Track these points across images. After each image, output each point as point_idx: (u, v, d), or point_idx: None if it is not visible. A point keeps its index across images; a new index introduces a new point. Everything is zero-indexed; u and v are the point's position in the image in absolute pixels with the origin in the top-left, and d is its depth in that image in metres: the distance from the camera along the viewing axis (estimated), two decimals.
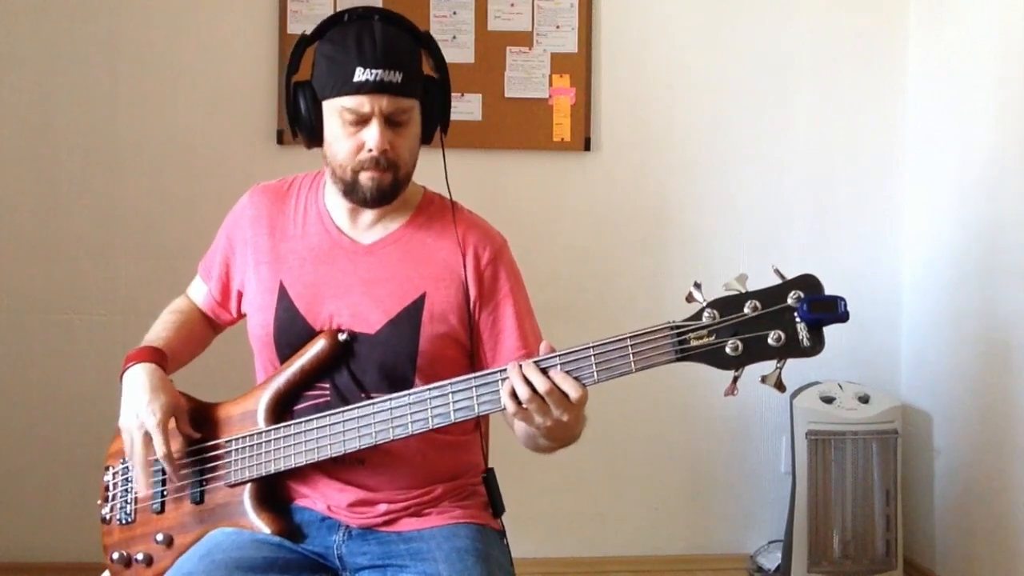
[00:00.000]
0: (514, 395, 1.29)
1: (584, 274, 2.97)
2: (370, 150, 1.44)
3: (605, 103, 2.94)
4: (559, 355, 1.30)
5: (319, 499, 1.51)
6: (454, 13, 2.86)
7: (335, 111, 1.45)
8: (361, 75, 1.41)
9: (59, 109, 2.81)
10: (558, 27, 2.89)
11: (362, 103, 1.42)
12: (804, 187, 3.01)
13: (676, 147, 2.98)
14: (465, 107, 2.85)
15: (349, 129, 1.45)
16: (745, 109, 2.98)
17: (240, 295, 1.63)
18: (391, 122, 1.45)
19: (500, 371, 1.33)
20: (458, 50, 2.85)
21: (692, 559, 3.02)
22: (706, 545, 3.05)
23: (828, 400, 2.85)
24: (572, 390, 1.28)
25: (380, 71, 1.41)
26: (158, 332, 1.61)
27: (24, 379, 2.84)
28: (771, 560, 2.95)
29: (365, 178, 1.46)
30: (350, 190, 1.48)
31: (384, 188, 1.47)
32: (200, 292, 1.69)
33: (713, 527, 3.06)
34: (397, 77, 1.43)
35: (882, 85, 3.02)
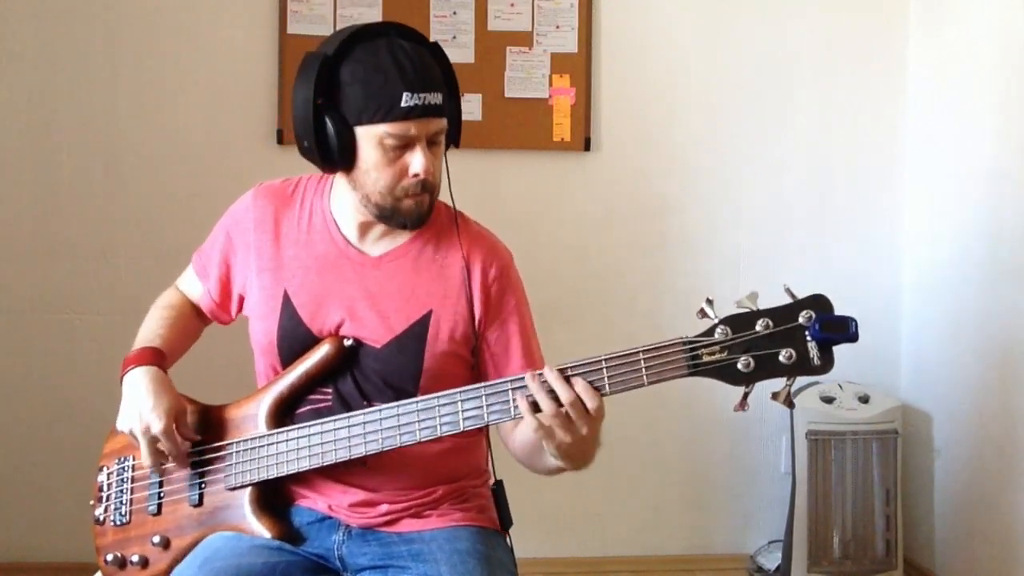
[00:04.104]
0: (535, 407, 1.28)
1: (584, 274, 2.97)
2: (416, 175, 1.41)
3: (605, 103, 2.94)
4: (571, 366, 1.29)
5: (320, 499, 1.51)
6: (454, 13, 2.86)
7: (374, 138, 1.40)
8: (408, 100, 1.37)
9: (59, 109, 2.81)
10: (558, 27, 2.89)
11: (409, 128, 1.39)
12: (804, 187, 3.01)
13: (676, 147, 2.98)
14: (465, 107, 2.80)
15: (390, 155, 1.40)
16: (745, 109, 2.98)
17: (241, 299, 1.61)
18: (430, 143, 1.42)
19: (512, 380, 1.32)
20: (458, 50, 2.85)
21: (692, 559, 3.02)
22: (706, 545, 3.05)
23: (828, 400, 2.84)
24: (590, 399, 1.27)
25: (426, 94, 1.38)
26: (154, 330, 1.60)
27: (24, 379, 2.84)
28: (771, 560, 2.95)
29: (408, 204, 1.43)
30: (388, 215, 1.45)
31: (423, 212, 1.45)
32: (195, 288, 1.67)
33: (713, 527, 3.06)
34: (439, 99, 1.41)
35: (882, 85, 3.02)
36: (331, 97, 1.41)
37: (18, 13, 2.79)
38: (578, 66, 2.90)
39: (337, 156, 1.42)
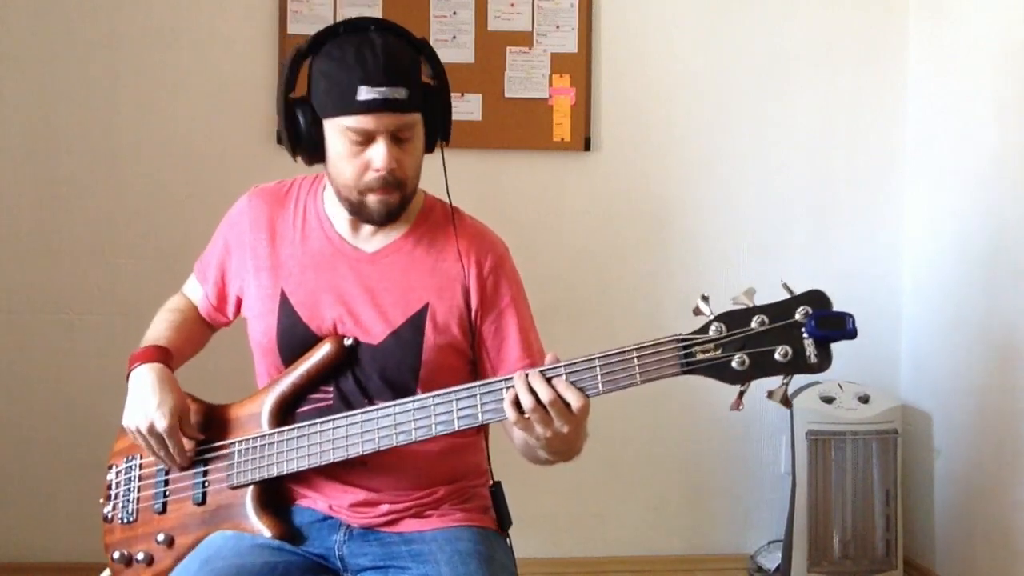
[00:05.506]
0: (517, 404, 1.29)
1: (584, 274, 2.97)
2: (377, 169, 1.41)
3: (605, 103, 2.93)
4: (564, 365, 1.29)
5: (321, 499, 1.51)
6: (454, 13, 2.86)
7: (338, 130, 1.41)
8: (366, 94, 1.37)
9: (59, 109, 2.81)
10: (558, 27, 2.89)
11: (367, 122, 1.39)
12: (804, 187, 3.01)
13: (676, 147, 2.98)
14: (465, 107, 2.84)
15: (353, 149, 1.41)
16: (745, 109, 2.98)
17: (239, 300, 1.62)
18: (396, 139, 1.41)
19: (505, 380, 1.32)
20: (458, 50, 2.85)
21: (692, 559, 3.02)
22: (706, 545, 3.05)
23: (828, 400, 2.84)
24: (575, 399, 1.27)
25: (385, 88, 1.37)
26: (160, 331, 1.60)
27: (24, 379, 2.84)
28: (771, 560, 2.95)
29: (373, 200, 1.44)
30: (356, 210, 1.46)
31: (392, 208, 1.45)
32: (196, 293, 1.68)
33: (713, 527, 3.06)
34: (402, 93, 1.39)
35: (882, 85, 3.02)
36: (308, 91, 1.45)
37: (18, 13, 2.79)
38: (578, 66, 2.90)
39: (306, 147, 1.46)
